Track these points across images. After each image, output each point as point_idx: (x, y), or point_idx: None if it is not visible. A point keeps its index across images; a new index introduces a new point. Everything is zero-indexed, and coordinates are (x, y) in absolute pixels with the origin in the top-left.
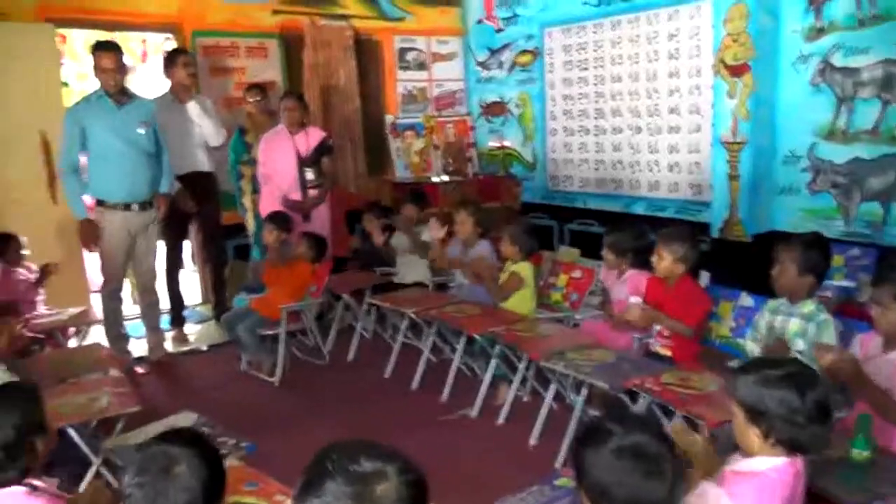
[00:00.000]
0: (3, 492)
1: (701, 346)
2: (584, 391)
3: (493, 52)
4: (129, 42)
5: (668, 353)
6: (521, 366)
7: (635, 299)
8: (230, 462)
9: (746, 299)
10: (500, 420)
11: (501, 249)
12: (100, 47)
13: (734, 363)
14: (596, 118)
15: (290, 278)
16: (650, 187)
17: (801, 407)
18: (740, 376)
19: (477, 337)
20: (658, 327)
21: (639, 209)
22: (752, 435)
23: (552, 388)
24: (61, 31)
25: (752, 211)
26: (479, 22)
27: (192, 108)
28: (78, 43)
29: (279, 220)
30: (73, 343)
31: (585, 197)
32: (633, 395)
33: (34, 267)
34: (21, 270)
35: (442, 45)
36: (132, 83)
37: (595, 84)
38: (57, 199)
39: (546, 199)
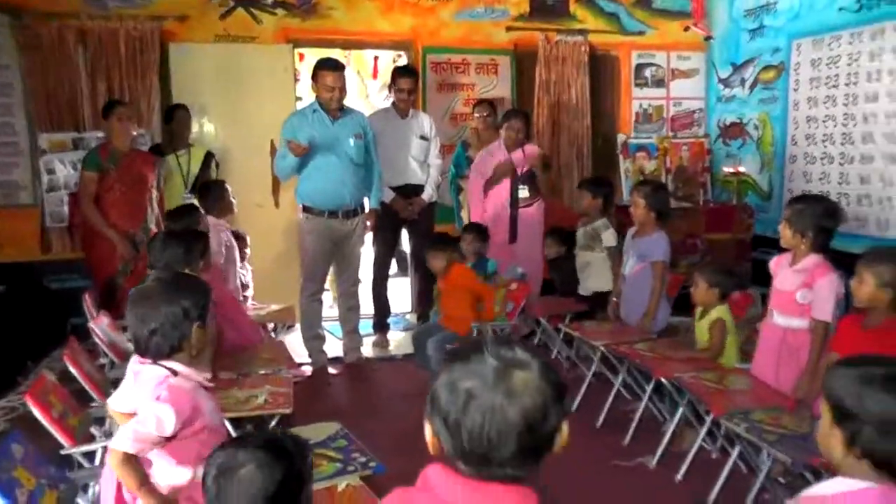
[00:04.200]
0: (149, 367)
1: None
2: (770, 458)
3: (737, 67)
4: (362, 59)
5: None
6: (708, 419)
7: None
8: (349, 482)
9: None
10: (679, 475)
11: (694, 295)
12: (325, 66)
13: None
14: (843, 144)
15: (452, 289)
16: None
17: None
18: (839, 369)
19: (664, 381)
20: None
21: None
22: (836, 440)
23: (737, 447)
24: (299, 50)
25: None
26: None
27: (425, 120)
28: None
29: (476, 230)
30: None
31: None
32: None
33: (249, 267)
34: (241, 271)
35: (683, 60)
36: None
37: (845, 104)
38: (279, 204)
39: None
